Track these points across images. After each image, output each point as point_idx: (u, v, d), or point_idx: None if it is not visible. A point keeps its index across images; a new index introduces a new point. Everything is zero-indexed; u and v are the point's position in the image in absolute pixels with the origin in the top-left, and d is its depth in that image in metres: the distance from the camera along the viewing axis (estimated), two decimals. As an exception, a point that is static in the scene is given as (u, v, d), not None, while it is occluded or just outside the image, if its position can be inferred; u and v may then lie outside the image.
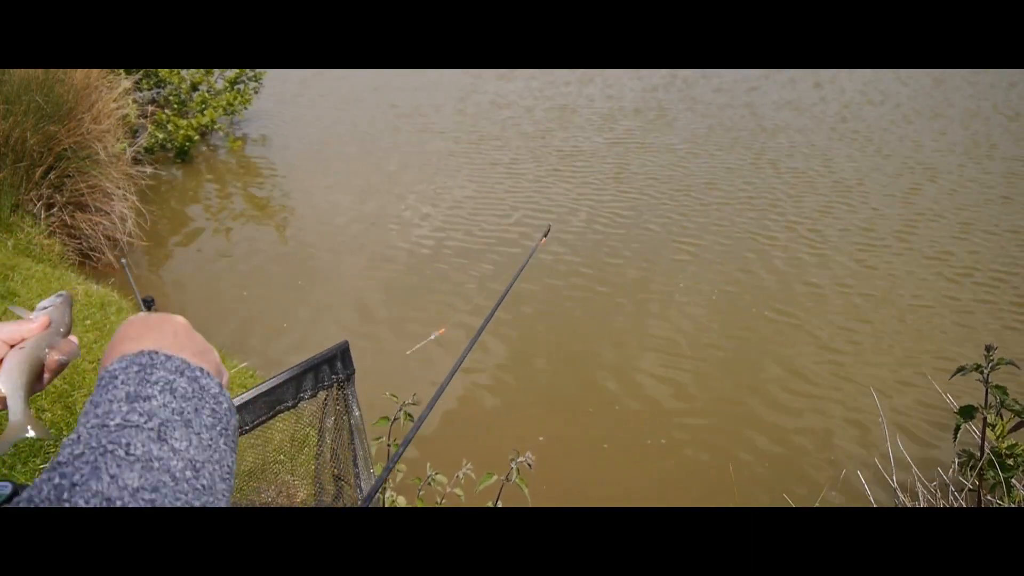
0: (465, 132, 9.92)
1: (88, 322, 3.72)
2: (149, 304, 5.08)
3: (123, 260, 4.76)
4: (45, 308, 1.00)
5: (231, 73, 9.32)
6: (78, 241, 5.57)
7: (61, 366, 0.94)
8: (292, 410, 2.05)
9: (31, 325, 0.95)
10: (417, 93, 12.04)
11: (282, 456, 2.28)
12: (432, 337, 3.16)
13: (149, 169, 6.69)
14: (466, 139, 9.62)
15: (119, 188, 5.82)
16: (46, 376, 0.93)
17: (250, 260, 6.14)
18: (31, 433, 0.90)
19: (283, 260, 6.15)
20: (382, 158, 8.77)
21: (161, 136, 8.04)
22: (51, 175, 5.51)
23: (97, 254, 5.61)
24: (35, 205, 5.37)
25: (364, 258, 6.18)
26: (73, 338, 1.00)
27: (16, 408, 0.90)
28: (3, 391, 0.91)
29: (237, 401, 1.85)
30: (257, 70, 9.37)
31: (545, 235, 3.05)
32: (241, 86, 9.33)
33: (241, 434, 1.96)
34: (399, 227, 6.80)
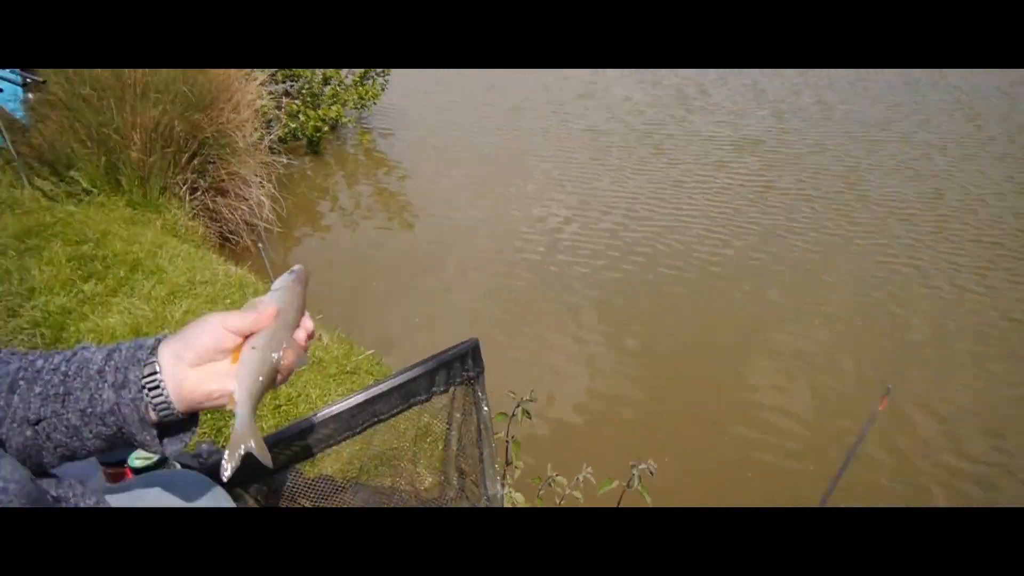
0: (606, 135, 9.87)
1: (228, 301, 3.91)
2: (281, 287, 5.24)
3: (260, 244, 5.01)
4: (276, 291, 0.94)
5: (360, 69, 9.60)
6: (219, 224, 5.87)
7: (292, 370, 0.91)
8: (425, 403, 2.09)
9: (260, 316, 0.90)
10: (554, 89, 12.08)
11: (411, 446, 2.33)
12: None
13: (283, 159, 6.97)
14: (607, 142, 9.58)
15: (256, 176, 6.11)
16: (278, 378, 0.91)
17: (376, 252, 6.32)
18: (252, 448, 0.88)
19: (408, 254, 6.30)
20: (512, 156, 8.86)
21: (293, 126, 8.37)
22: (195, 161, 5.81)
23: (236, 237, 5.91)
24: (181, 189, 5.69)
25: (488, 257, 6.26)
26: (307, 323, 0.95)
27: (243, 418, 0.87)
28: (233, 394, 0.88)
29: (375, 390, 1.89)
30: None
31: (885, 395, 2.77)
32: (369, 81, 9.59)
33: (376, 423, 2.01)
34: (525, 228, 6.84)
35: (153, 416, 0.90)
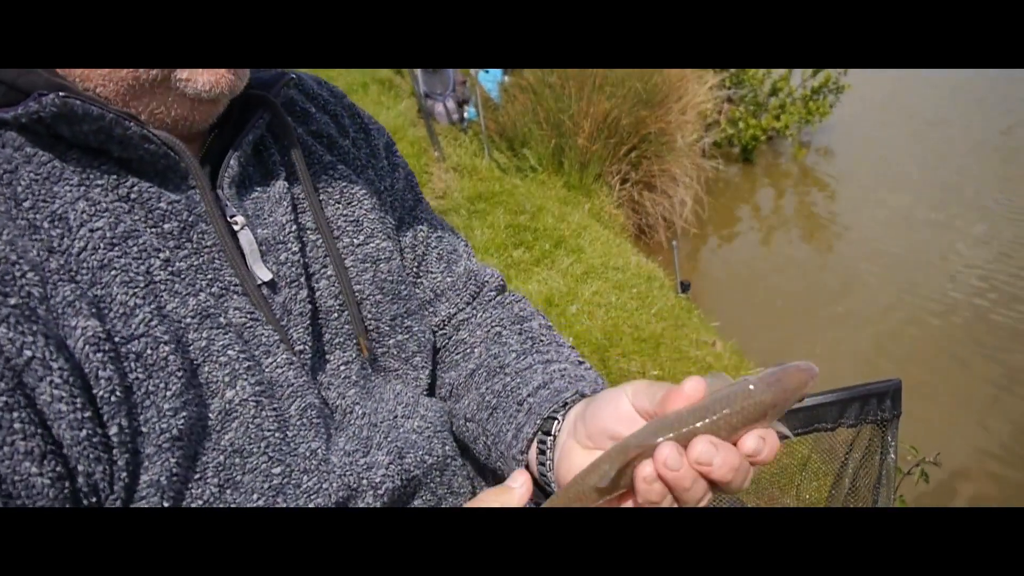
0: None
1: (635, 291, 4.03)
2: (686, 287, 5.27)
3: (674, 242, 5.09)
4: (745, 379, 0.59)
5: (814, 83, 9.13)
6: (639, 216, 6.12)
7: (652, 503, 0.56)
8: (828, 432, 1.95)
9: (671, 393, 0.58)
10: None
11: (798, 472, 2.21)
12: None
13: (713, 163, 6.98)
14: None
15: (686, 176, 6.21)
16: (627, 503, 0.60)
17: (788, 271, 6.03)
18: None
19: (817, 278, 5.90)
20: (962, 191, 7.78)
21: (731, 132, 8.31)
22: (632, 154, 6.09)
23: (652, 231, 6.11)
24: (613, 178, 6.03)
25: (897, 297, 5.59)
26: (750, 443, 0.57)
27: None
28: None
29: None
30: (842, 82, 9.01)
31: None
32: (820, 97, 9.09)
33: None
34: (952, 276, 5.96)
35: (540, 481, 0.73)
